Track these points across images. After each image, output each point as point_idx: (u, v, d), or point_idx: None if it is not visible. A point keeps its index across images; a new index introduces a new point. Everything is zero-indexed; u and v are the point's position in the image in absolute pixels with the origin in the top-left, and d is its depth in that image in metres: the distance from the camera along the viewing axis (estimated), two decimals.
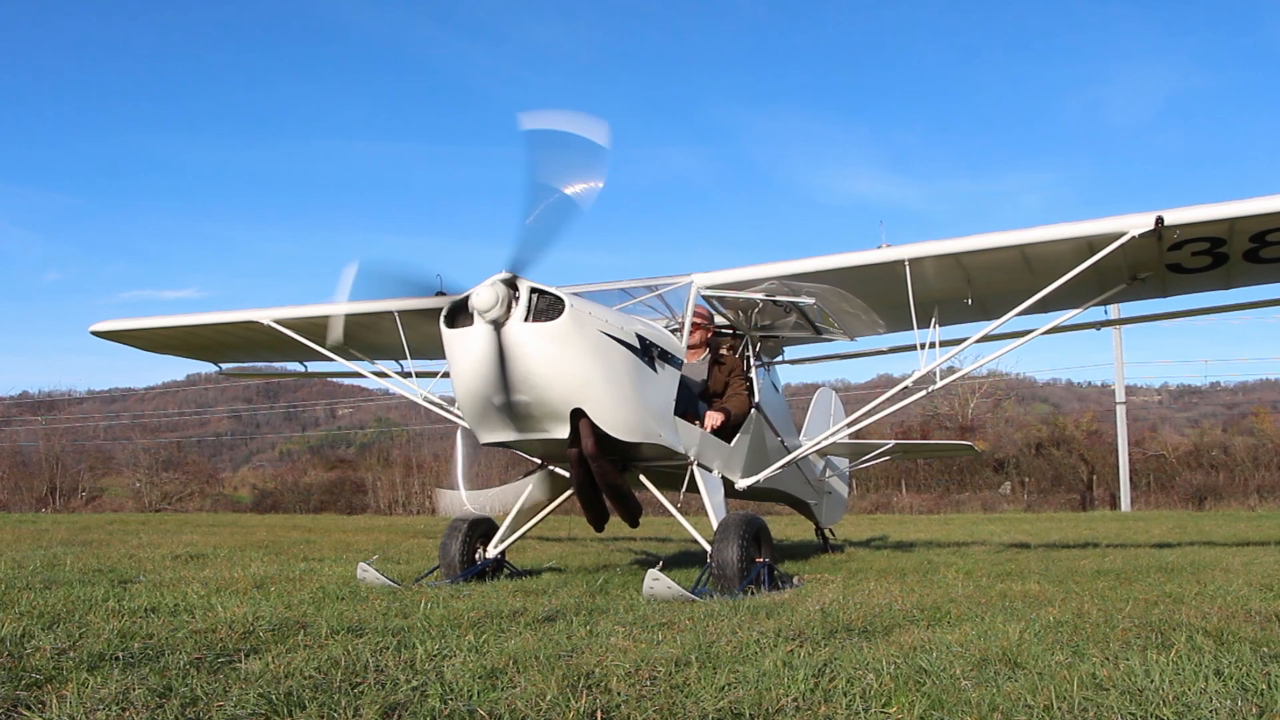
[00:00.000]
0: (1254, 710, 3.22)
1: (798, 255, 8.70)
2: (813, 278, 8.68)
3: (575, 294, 7.00)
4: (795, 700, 3.37)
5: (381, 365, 11.18)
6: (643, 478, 8.21)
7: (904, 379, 9.08)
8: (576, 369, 6.77)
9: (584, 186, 6.39)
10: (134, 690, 3.36)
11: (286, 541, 13.88)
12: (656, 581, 6.49)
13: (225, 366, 12.85)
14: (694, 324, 8.69)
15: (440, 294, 8.88)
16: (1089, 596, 6.37)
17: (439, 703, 3.31)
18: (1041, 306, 8.60)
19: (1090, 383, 78.54)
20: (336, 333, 9.39)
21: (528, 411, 6.90)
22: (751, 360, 9.54)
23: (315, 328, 10.62)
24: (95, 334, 11.53)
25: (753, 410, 9.16)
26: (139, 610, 5.42)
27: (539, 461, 8.59)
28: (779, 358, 10.76)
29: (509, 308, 6.57)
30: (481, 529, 8.50)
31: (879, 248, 8.41)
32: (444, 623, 5.07)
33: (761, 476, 9.11)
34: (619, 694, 3.45)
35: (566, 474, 7.90)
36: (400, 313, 9.62)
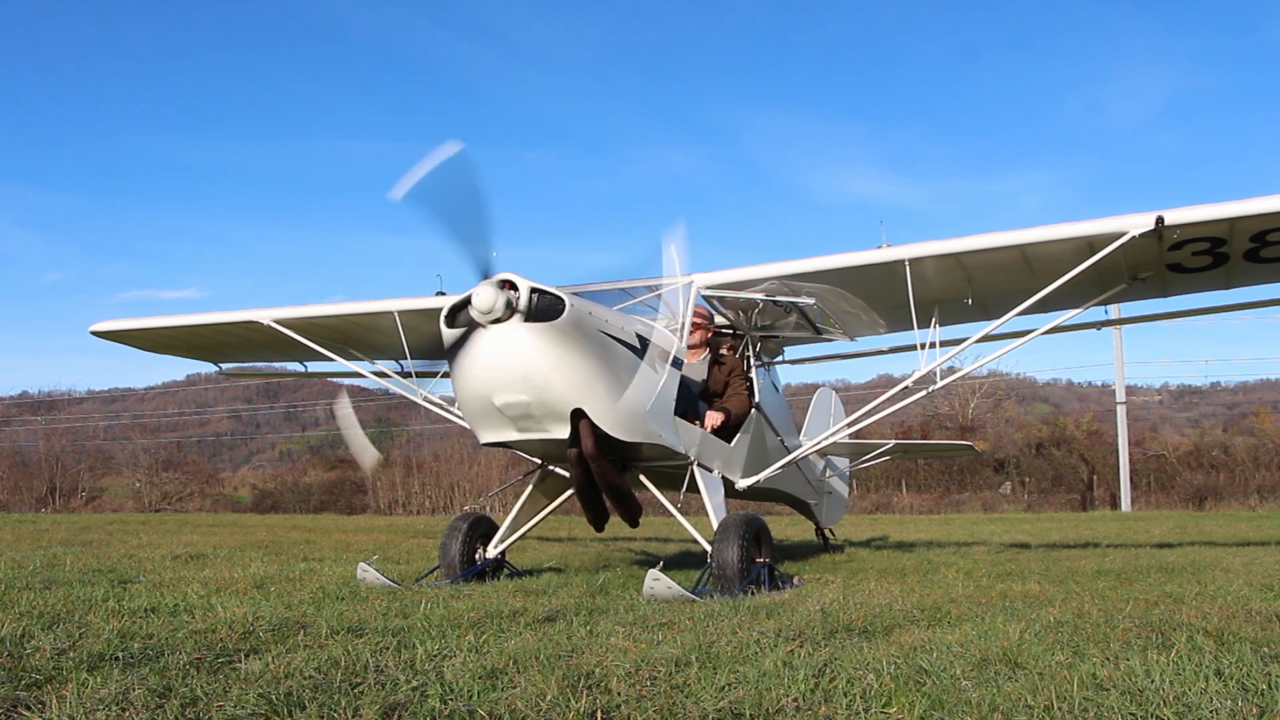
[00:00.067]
0: (1254, 710, 3.21)
1: (798, 255, 8.71)
2: (813, 278, 8.68)
3: (575, 294, 7.00)
4: (795, 700, 3.37)
5: (381, 365, 11.18)
6: (643, 478, 8.21)
7: (904, 379, 9.08)
8: (576, 369, 6.77)
9: (445, 155, 6.60)
10: (134, 690, 3.36)
11: (286, 541, 13.88)
12: (657, 582, 6.49)
13: (225, 366, 12.85)
14: (694, 324, 8.69)
15: (440, 294, 8.90)
16: (1089, 597, 6.37)
17: (439, 703, 3.31)
18: (1042, 306, 8.60)
19: (1090, 383, 78.56)
20: (368, 457, 9.56)
21: (528, 411, 6.90)
22: (751, 360, 9.54)
23: (315, 328, 10.62)
24: (95, 334, 11.53)
25: (753, 410, 9.16)
26: (139, 610, 5.41)
27: (539, 461, 8.59)
28: (779, 358, 10.76)
29: (509, 308, 6.57)
30: (481, 529, 8.50)
31: (879, 248, 8.41)
32: (444, 623, 5.07)
33: (762, 476, 9.11)
34: (619, 694, 3.45)
35: (566, 474, 7.90)
36: (400, 313, 9.62)
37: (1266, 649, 4.13)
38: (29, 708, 3.17)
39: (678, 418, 7.84)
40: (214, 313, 11.03)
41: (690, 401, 8.39)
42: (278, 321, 10.52)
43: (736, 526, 7.19)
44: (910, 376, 8.98)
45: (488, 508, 19.79)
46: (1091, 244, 7.87)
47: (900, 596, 6.38)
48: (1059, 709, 3.24)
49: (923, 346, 8.82)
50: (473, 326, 6.69)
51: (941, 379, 8.84)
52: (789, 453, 9.74)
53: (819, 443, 10.14)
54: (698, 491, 8.12)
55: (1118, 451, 33.92)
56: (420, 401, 10.25)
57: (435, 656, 4.11)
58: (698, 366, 8.84)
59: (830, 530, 13.57)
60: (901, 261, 8.24)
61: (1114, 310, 10.35)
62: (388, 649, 4.26)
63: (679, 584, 6.56)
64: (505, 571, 8.46)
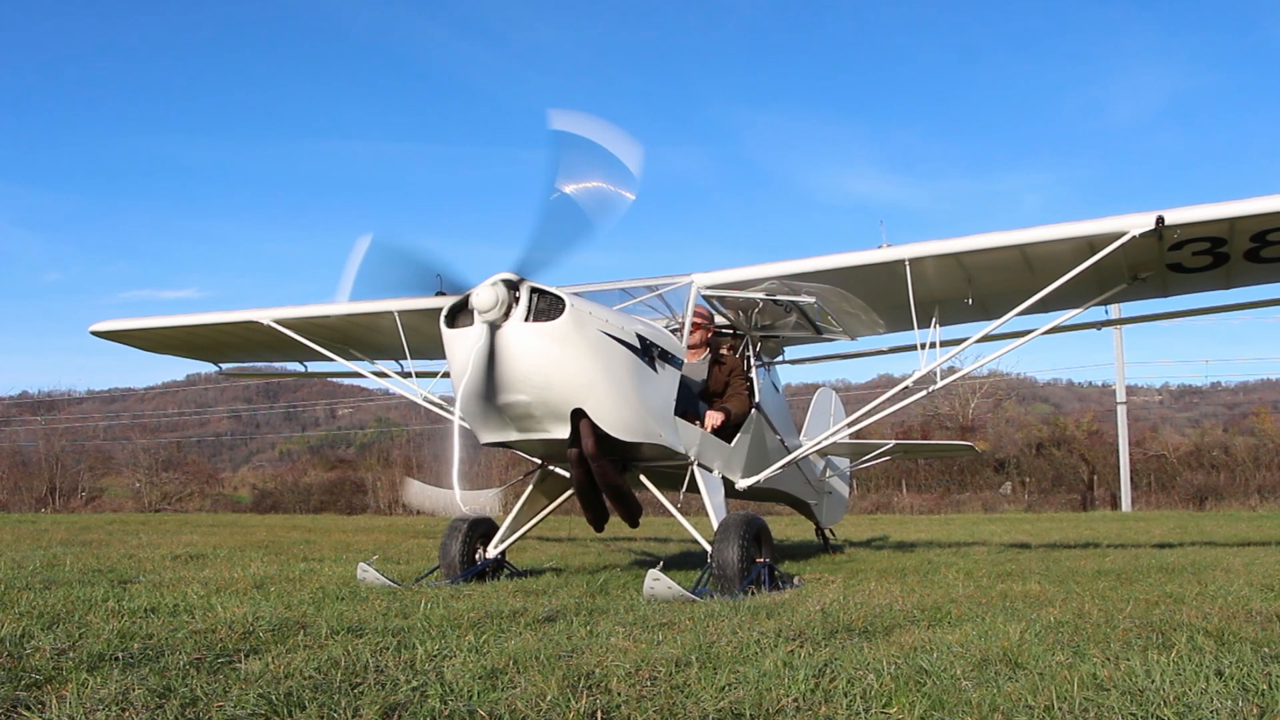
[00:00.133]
0: (1255, 710, 3.21)
1: (798, 255, 8.71)
2: (813, 277, 8.68)
3: (575, 294, 7.00)
4: (796, 700, 3.37)
5: (381, 365, 11.18)
6: (643, 478, 8.21)
7: (904, 379, 9.08)
8: (577, 369, 6.77)
9: (604, 195, 6.34)
10: (134, 690, 3.36)
11: (286, 541, 13.88)
12: (657, 582, 6.48)
13: (225, 366, 12.84)
14: (694, 324, 8.68)
15: (440, 294, 8.89)
16: (1090, 597, 6.36)
17: (439, 703, 3.31)
18: (1042, 306, 8.60)
19: (1091, 383, 78.60)
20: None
21: (528, 411, 6.90)
22: (752, 360, 9.53)
23: (315, 328, 10.62)
24: (95, 334, 11.53)
25: (753, 410, 9.15)
26: (139, 610, 5.41)
27: (539, 461, 8.59)
28: (779, 358, 10.76)
29: (509, 308, 6.57)
30: (481, 529, 8.49)
31: (879, 247, 8.40)
32: (444, 623, 5.07)
33: (762, 476, 9.11)
34: (619, 694, 3.45)
35: (566, 474, 7.89)
36: (400, 312, 9.62)
37: (1267, 649, 4.13)
38: (29, 708, 3.17)
39: (678, 418, 7.83)
40: (214, 313, 11.02)
41: (690, 401, 8.38)
42: (278, 321, 10.51)
43: (737, 526, 7.19)
44: (910, 376, 8.98)
45: (487, 508, 19.78)
46: (1092, 244, 7.86)
47: (900, 597, 6.38)
48: (1059, 709, 3.24)
49: (923, 346, 8.82)
50: (472, 326, 6.68)
51: (942, 379, 8.84)
52: (789, 453, 9.74)
53: (819, 443, 10.14)
54: (698, 491, 8.12)
55: (1118, 451, 33.91)
56: (420, 401, 10.25)
57: (435, 656, 4.11)
58: (698, 366, 8.83)
59: (830, 530, 13.56)
60: (902, 261, 8.24)
61: (1114, 310, 10.35)
62: (388, 649, 4.25)
63: (679, 584, 6.56)
64: (505, 572, 8.46)
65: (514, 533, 8.56)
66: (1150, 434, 46.46)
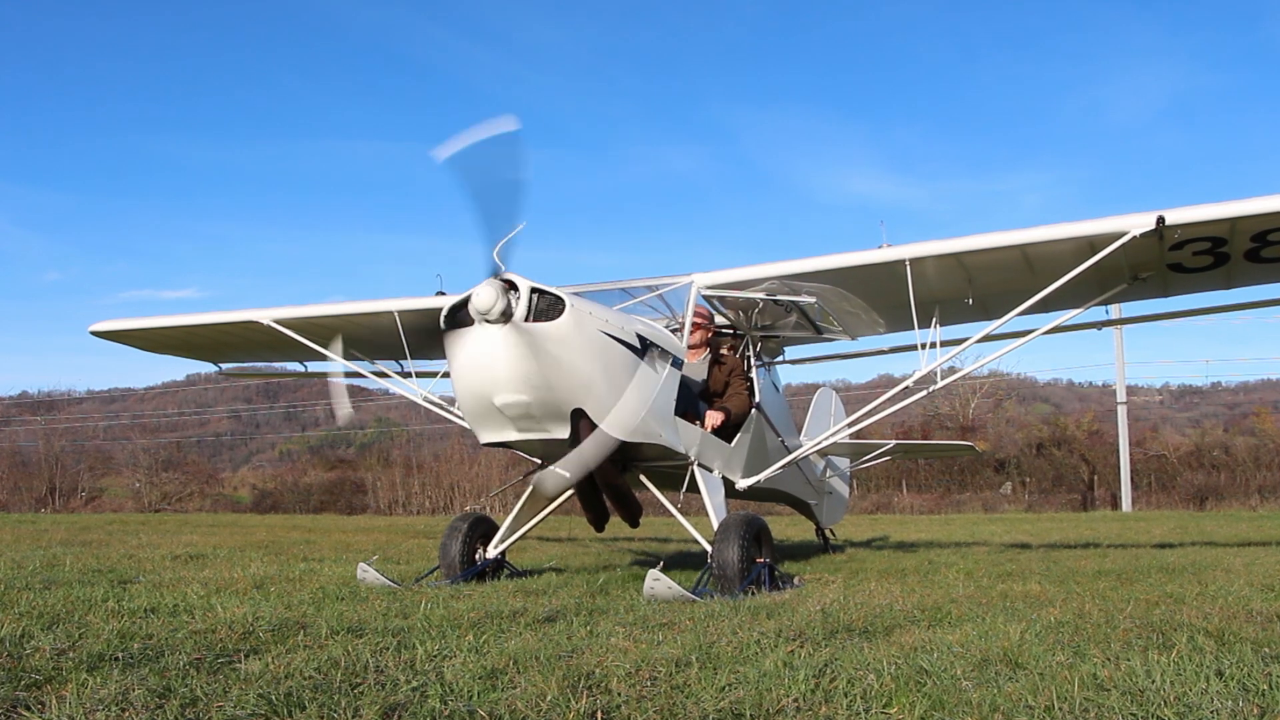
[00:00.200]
0: (1255, 711, 3.21)
1: (798, 255, 8.71)
2: (813, 277, 8.67)
3: (575, 294, 7.00)
4: (796, 701, 3.37)
5: (381, 365, 11.18)
6: (643, 478, 8.20)
7: (905, 379, 9.07)
8: (577, 369, 6.77)
9: (500, 129, 6.51)
10: (134, 691, 3.35)
11: (286, 542, 13.87)
12: (657, 582, 6.48)
13: (225, 366, 12.84)
14: (694, 324, 8.68)
15: (440, 294, 8.88)
16: (1090, 597, 6.36)
17: (439, 703, 3.31)
18: (1042, 306, 8.59)
19: (1091, 383, 78.60)
20: (345, 410, 9.49)
21: (528, 411, 6.89)
22: (752, 360, 9.53)
23: (315, 328, 10.62)
24: (95, 334, 11.52)
25: (753, 410, 9.15)
26: (139, 610, 5.41)
27: (539, 461, 8.58)
28: (779, 358, 10.76)
29: (509, 308, 6.56)
30: (482, 529, 8.49)
31: (880, 247, 8.40)
32: (444, 623, 5.07)
33: (762, 477, 9.11)
34: (619, 694, 3.45)
35: None
36: (400, 313, 9.62)
37: (1267, 649, 4.12)
38: (29, 708, 3.17)
39: (678, 418, 7.83)
40: (214, 313, 11.02)
41: (690, 401, 8.38)
42: (278, 321, 10.51)
43: (737, 527, 7.19)
44: (911, 376, 8.97)
45: (488, 508, 19.78)
46: (1092, 244, 7.86)
47: (901, 597, 6.38)
48: (1060, 709, 3.24)
49: (923, 346, 8.82)
50: (473, 326, 6.68)
51: (942, 379, 8.84)
52: (789, 453, 9.74)
53: (819, 443, 10.13)
54: (698, 491, 8.12)
55: (1118, 451, 33.91)
56: (420, 401, 10.25)
57: (435, 657, 4.11)
58: (698, 366, 8.83)
59: (830, 530, 13.56)
60: (902, 261, 8.24)
61: (1115, 310, 10.35)
62: (388, 649, 4.25)
63: (679, 584, 6.56)
64: (505, 572, 8.46)
65: (514, 533, 8.56)
66: (1151, 434, 46.47)
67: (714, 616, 5.38)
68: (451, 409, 9.85)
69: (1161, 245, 7.84)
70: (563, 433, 6.98)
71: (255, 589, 6.78)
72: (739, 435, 8.87)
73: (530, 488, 8.77)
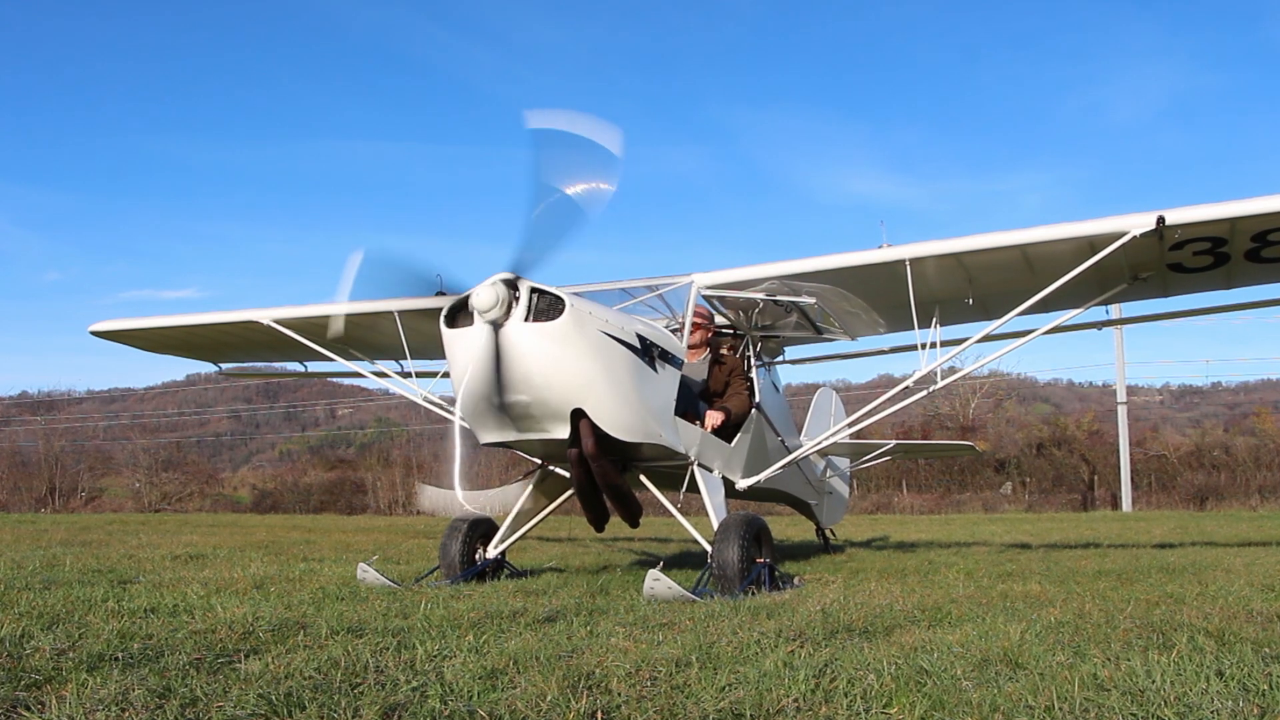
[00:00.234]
0: (1255, 711, 3.21)
1: (798, 255, 8.70)
2: (813, 277, 8.67)
3: (575, 294, 6.99)
4: (796, 701, 3.36)
5: (381, 365, 11.18)
6: (643, 478, 8.20)
7: (905, 379, 9.08)
8: (577, 369, 6.76)
9: (590, 189, 6.32)
10: (133, 691, 3.35)
11: (286, 542, 13.87)
12: (657, 582, 6.48)
13: (225, 366, 12.84)
14: (694, 324, 8.68)
15: (440, 294, 8.88)
16: (1090, 597, 6.36)
17: (439, 703, 3.31)
18: (1042, 306, 8.59)
19: (1091, 383, 78.64)
20: (338, 326, 9.31)
21: (528, 412, 6.89)
22: (752, 360, 9.53)
23: (315, 328, 10.61)
24: (95, 334, 11.52)
25: (753, 410, 9.15)
26: (139, 611, 5.41)
27: (539, 462, 8.58)
28: (779, 358, 10.76)
29: (509, 308, 6.56)
30: (481, 529, 8.49)
31: (880, 247, 8.40)
32: (444, 623, 5.07)
33: (762, 477, 9.10)
34: (619, 694, 3.45)
35: (566, 474, 7.89)
36: (400, 313, 9.61)
37: (1268, 649, 4.12)
38: (29, 708, 3.17)
39: (678, 418, 7.83)
40: (214, 313, 11.02)
41: (690, 401, 8.38)
42: (278, 321, 10.51)
43: (737, 527, 7.18)
44: (911, 376, 8.98)
45: (488, 508, 19.76)
46: (1092, 244, 7.86)
47: (901, 597, 6.38)
48: (1060, 709, 3.24)
49: (923, 346, 8.82)
50: (473, 326, 6.68)
51: (942, 379, 8.84)
52: (789, 453, 9.74)
53: (819, 443, 10.13)
54: (698, 491, 8.11)
55: (1119, 451, 33.91)
56: (420, 401, 10.24)
57: (435, 657, 4.11)
58: (698, 366, 8.83)
59: (831, 530, 13.56)
60: (902, 261, 8.24)
61: (1115, 310, 10.35)
62: (388, 649, 4.25)
63: (679, 584, 6.55)
64: (505, 572, 8.45)
65: (514, 533, 8.55)
66: (1151, 434, 46.48)
67: (714, 616, 5.38)
68: (451, 409, 9.84)
69: (1161, 245, 7.84)
70: (562, 433, 6.98)
71: (255, 589, 6.78)
72: (739, 435, 8.87)
73: (530, 487, 8.78)
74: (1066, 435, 42.25)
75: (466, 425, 7.41)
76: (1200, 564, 9.20)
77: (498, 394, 6.79)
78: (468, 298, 6.63)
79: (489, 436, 7.27)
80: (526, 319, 6.59)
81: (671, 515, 8.20)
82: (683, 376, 7.98)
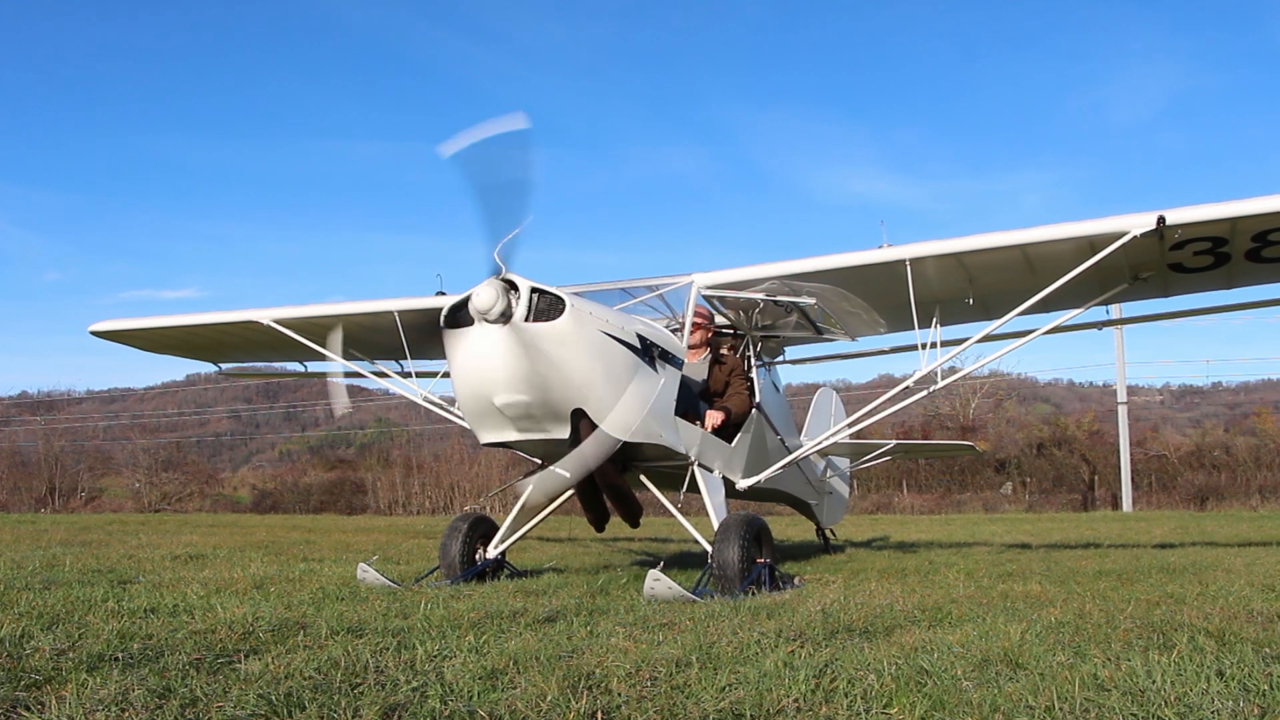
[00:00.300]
0: (1256, 711, 3.21)
1: (798, 255, 8.70)
2: (814, 277, 8.67)
3: (575, 294, 6.99)
4: (796, 701, 3.36)
5: (381, 365, 11.17)
6: (643, 478, 8.20)
7: (905, 379, 9.07)
8: (577, 369, 6.76)
9: (518, 158, 6.50)
10: (133, 691, 3.35)
11: (286, 542, 13.87)
12: (657, 582, 6.48)
13: (225, 366, 12.84)
14: (695, 324, 8.68)
15: (440, 294, 8.87)
16: (1091, 597, 6.36)
17: (439, 703, 3.30)
18: (1043, 306, 8.59)
19: (1092, 383, 78.64)
20: (343, 399, 9.40)
21: (528, 411, 6.89)
22: (752, 360, 9.53)
23: (315, 328, 10.62)
24: (95, 334, 11.52)
25: (753, 410, 9.15)
26: (138, 611, 5.41)
27: (539, 462, 8.58)
28: (780, 358, 10.76)
29: (509, 307, 6.56)
30: (482, 529, 8.49)
31: (880, 247, 8.40)
32: (444, 623, 5.07)
33: (762, 477, 9.10)
34: (619, 695, 3.44)
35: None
36: (400, 313, 9.61)
37: (1268, 649, 4.12)
38: (29, 708, 3.16)
39: (678, 418, 7.82)
40: (214, 313, 11.02)
41: (691, 401, 8.38)
42: (277, 321, 10.51)
43: (737, 527, 7.18)
44: (911, 376, 8.97)
45: (488, 508, 19.78)
46: (1093, 244, 7.86)
47: (901, 597, 6.37)
48: (1060, 709, 3.24)
49: (924, 346, 8.82)
50: (473, 326, 6.68)
51: (942, 379, 8.84)
52: (790, 453, 9.74)
53: (820, 443, 10.13)
54: (698, 491, 8.11)
55: (1119, 452, 33.91)
56: (420, 401, 10.24)
57: (435, 657, 4.11)
58: (698, 366, 8.83)
59: (831, 530, 13.56)
60: (902, 261, 8.23)
61: (1115, 310, 10.35)
62: (388, 649, 4.25)
63: (679, 584, 6.55)
64: (505, 572, 8.45)
65: (514, 533, 8.55)
66: (1151, 434, 46.49)
67: (714, 617, 5.38)
68: (451, 409, 9.85)
69: (1162, 245, 7.84)
70: (563, 433, 6.98)
71: (255, 589, 6.78)
72: (739, 435, 8.87)
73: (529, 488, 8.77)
74: (1067, 435, 42.26)
75: (468, 425, 7.41)
76: (1201, 564, 9.20)
77: (498, 394, 6.78)
78: (468, 298, 6.62)
79: (490, 436, 7.27)
80: (527, 319, 6.59)
81: (672, 515, 8.19)
82: (683, 376, 7.98)
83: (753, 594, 6.73)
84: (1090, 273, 7.99)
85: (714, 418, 8.42)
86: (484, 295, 6.49)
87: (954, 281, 8.65)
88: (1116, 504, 34.18)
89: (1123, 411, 34.10)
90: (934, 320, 8.86)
